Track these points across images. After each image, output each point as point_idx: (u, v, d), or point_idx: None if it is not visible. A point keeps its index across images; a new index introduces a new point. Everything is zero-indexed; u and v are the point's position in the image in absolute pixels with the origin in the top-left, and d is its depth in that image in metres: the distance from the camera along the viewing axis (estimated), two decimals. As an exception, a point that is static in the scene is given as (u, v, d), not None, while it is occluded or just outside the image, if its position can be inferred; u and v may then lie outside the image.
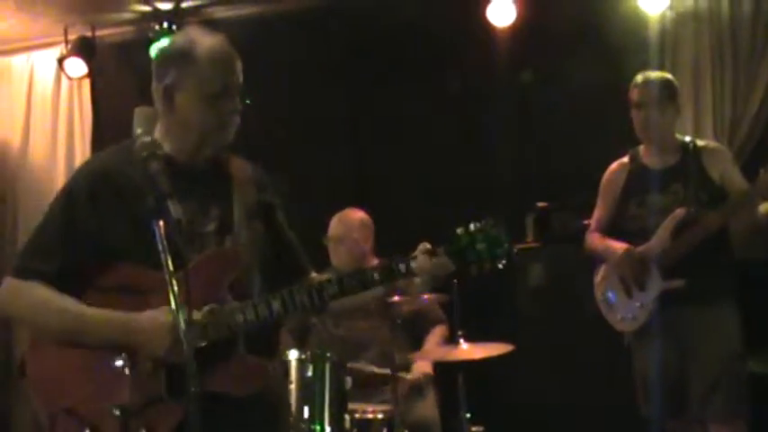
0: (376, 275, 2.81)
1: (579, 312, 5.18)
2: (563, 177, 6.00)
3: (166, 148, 2.73)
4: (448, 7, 6.18)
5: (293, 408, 4.02)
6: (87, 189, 2.77)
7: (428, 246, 2.86)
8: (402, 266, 2.82)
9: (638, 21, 5.85)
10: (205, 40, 2.79)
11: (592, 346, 5.14)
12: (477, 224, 2.87)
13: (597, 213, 4.68)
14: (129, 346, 2.59)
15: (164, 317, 2.58)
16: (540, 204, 5.71)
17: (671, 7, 5.80)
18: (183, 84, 2.77)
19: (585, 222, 4.91)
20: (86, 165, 3.00)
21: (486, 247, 2.84)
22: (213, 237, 2.81)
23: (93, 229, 2.73)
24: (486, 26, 6.08)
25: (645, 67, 4.91)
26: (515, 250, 2.99)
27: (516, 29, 6.07)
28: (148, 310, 2.64)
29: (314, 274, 3.10)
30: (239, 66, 2.84)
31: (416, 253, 2.84)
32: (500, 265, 2.89)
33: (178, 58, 2.78)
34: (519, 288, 5.71)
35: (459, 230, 2.87)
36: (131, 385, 2.51)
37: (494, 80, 6.28)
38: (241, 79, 2.84)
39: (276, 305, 2.73)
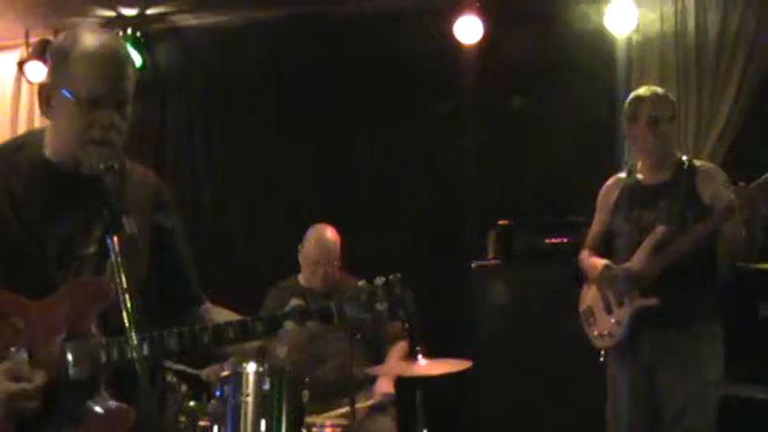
0: (259, 327, 2.55)
1: (539, 330, 5.17)
2: (527, 195, 6.01)
3: (49, 153, 2.52)
4: (416, 25, 6.18)
5: (249, 421, 3.98)
6: None
7: (301, 302, 2.62)
8: (286, 322, 2.56)
9: (605, 42, 5.90)
10: (87, 39, 2.45)
11: (551, 365, 5.13)
12: (383, 280, 2.59)
13: (592, 228, 4.63)
14: None
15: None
16: (503, 222, 5.70)
17: (637, 29, 5.86)
18: (57, 84, 2.46)
19: (548, 241, 4.88)
20: None
21: (387, 307, 2.58)
22: (93, 260, 2.50)
23: None
24: (454, 44, 6.09)
25: (612, 87, 4.91)
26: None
27: (483, 48, 6.09)
28: None
29: (207, 305, 2.84)
30: (126, 73, 2.48)
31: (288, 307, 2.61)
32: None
33: (56, 55, 2.48)
34: (478, 305, 5.68)
35: (360, 286, 2.59)
36: None
37: (459, 97, 6.27)
38: (127, 90, 2.48)
39: (144, 347, 2.42)
